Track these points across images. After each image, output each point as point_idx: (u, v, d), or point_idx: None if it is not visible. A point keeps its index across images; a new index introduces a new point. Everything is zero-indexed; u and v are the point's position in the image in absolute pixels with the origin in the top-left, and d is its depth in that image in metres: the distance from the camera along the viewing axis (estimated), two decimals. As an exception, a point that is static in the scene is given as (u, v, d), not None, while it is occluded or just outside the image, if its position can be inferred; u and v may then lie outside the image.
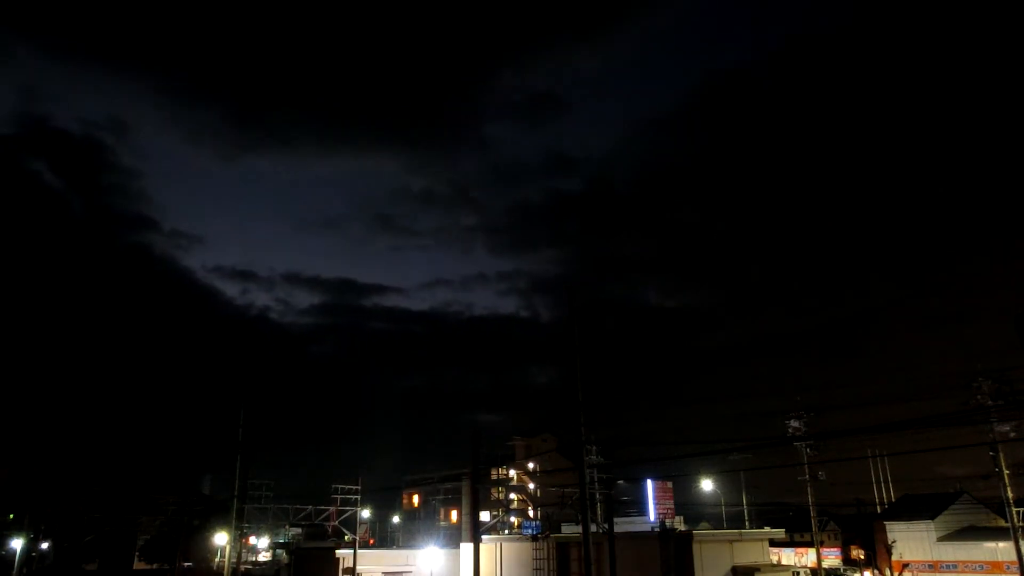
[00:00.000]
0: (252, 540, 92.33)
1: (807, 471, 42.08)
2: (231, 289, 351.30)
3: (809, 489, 42.77)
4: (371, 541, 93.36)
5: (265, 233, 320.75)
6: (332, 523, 60.63)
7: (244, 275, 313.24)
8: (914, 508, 55.77)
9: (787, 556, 62.26)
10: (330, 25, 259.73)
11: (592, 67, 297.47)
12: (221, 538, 61.98)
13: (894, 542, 53.79)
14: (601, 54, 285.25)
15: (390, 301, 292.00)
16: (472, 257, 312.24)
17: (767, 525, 58.96)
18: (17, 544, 56.92)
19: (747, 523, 69.11)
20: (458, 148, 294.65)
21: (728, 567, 41.09)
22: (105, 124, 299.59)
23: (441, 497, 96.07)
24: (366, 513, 79.66)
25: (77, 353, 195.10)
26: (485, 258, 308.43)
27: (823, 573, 46.65)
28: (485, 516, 70.56)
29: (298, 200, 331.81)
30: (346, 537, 56.97)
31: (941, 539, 51.77)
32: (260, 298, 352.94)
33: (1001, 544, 46.97)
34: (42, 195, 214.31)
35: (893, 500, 63.34)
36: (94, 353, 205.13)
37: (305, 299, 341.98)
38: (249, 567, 79.12)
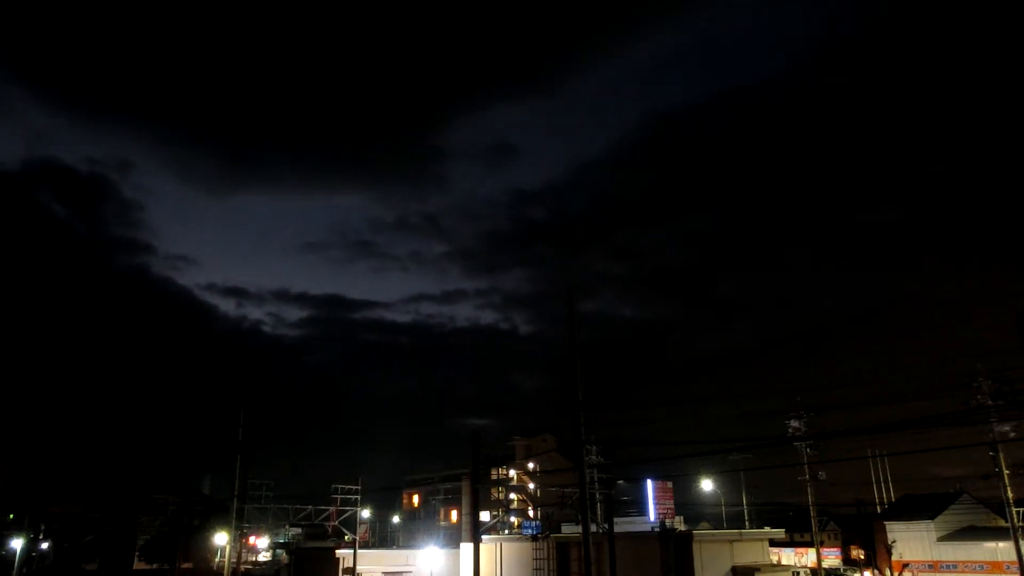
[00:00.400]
0: (252, 540, 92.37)
1: (807, 471, 42.06)
2: (225, 305, 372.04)
3: (809, 489, 42.75)
4: (365, 540, 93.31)
5: (253, 257, 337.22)
6: (332, 523, 60.62)
7: (236, 291, 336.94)
8: (914, 508, 55.75)
9: (787, 556, 62.29)
10: (306, 80, 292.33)
11: (535, 116, 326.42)
12: (221, 538, 61.93)
13: (894, 542, 53.77)
14: (540, 105, 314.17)
15: (376, 314, 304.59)
16: (449, 277, 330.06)
17: (767, 525, 58.93)
18: (17, 544, 56.91)
19: (747, 523, 69.06)
20: (423, 186, 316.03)
21: (728, 567, 41.09)
22: (110, 163, 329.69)
23: (441, 497, 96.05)
24: (366, 513, 79.63)
25: (81, 361, 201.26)
26: (461, 279, 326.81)
27: (823, 573, 46.64)
28: (485, 516, 70.49)
29: (281, 228, 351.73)
30: (346, 537, 56.96)
31: (941, 539, 51.76)
32: (253, 312, 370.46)
33: (1001, 544, 46.97)
34: (48, 223, 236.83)
35: (893, 500, 63.32)
36: (98, 361, 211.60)
37: (295, 314, 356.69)
38: (249, 567, 79.14)
